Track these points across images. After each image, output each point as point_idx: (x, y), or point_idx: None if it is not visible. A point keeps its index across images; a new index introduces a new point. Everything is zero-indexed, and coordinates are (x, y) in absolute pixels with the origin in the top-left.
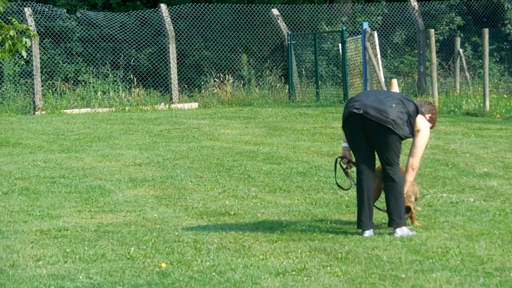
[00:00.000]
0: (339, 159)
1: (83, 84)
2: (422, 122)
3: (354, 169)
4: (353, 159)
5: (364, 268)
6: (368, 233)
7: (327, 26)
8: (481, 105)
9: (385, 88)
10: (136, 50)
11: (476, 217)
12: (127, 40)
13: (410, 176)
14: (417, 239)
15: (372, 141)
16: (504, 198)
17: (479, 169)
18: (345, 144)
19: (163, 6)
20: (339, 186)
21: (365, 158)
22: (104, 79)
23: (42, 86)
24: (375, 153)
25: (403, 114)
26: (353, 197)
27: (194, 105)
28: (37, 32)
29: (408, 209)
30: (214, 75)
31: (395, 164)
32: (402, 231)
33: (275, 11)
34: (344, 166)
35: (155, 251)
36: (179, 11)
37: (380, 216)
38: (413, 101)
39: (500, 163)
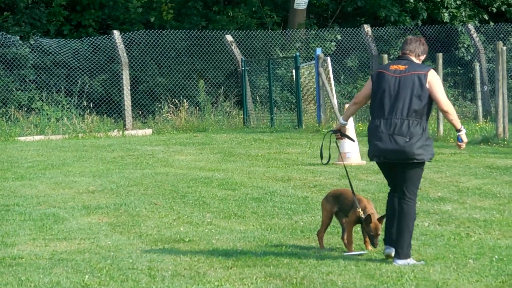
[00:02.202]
0: (331, 133)
1: (36, 111)
2: (434, 81)
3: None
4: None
5: None
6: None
7: (281, 52)
8: (435, 129)
9: (338, 114)
10: (90, 77)
11: (431, 242)
12: (80, 67)
13: (454, 115)
14: (371, 264)
15: (398, 175)
16: (458, 222)
17: (433, 193)
18: (344, 122)
19: (116, 33)
20: (321, 156)
21: (393, 186)
22: (58, 106)
23: None
24: None
25: (419, 128)
26: (308, 223)
27: (148, 131)
28: None
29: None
30: (168, 101)
31: (413, 194)
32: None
33: (229, 37)
34: (335, 139)
35: (109, 278)
36: (132, 37)
37: (334, 241)
38: (417, 76)
39: (454, 188)
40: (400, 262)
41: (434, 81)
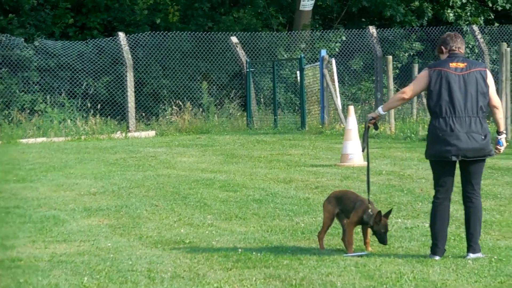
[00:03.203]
0: (368, 119)
1: (39, 113)
2: (490, 77)
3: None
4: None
5: None
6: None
7: (285, 53)
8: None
9: (342, 116)
10: (94, 79)
11: (430, 242)
12: (85, 69)
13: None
14: (371, 265)
15: (465, 172)
16: (459, 223)
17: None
18: (383, 113)
19: (121, 35)
20: (365, 143)
21: (448, 187)
22: (61, 108)
23: None
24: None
25: (486, 124)
26: (309, 224)
27: (151, 133)
28: None
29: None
30: (172, 103)
31: (480, 189)
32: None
33: (234, 39)
34: (372, 126)
35: (108, 280)
36: (137, 39)
37: (335, 242)
38: (482, 76)
39: (455, 189)
40: (475, 255)
41: (490, 77)
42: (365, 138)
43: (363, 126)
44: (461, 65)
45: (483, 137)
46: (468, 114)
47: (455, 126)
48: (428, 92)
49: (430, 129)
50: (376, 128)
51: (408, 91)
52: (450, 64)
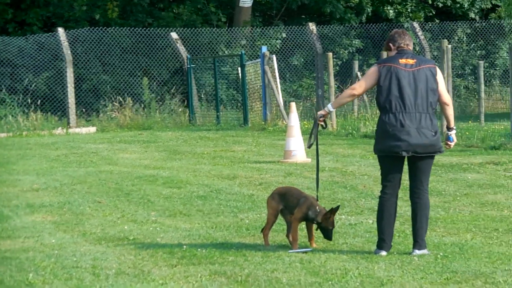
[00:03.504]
0: (318, 116)
1: None
2: (439, 74)
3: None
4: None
5: None
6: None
7: (226, 49)
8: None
9: (284, 112)
10: (34, 75)
11: (375, 239)
12: (25, 64)
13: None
14: (316, 261)
15: (414, 168)
16: (403, 220)
17: (377, 191)
18: (332, 109)
19: (60, 30)
20: (312, 139)
21: (396, 182)
22: (2, 104)
23: None
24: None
25: (436, 120)
26: (253, 221)
27: (92, 129)
28: None
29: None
30: (112, 99)
31: (427, 185)
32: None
33: (174, 35)
34: (322, 124)
35: (53, 277)
36: (77, 35)
37: (279, 239)
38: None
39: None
40: (421, 252)
41: (440, 74)
42: (313, 134)
43: (312, 122)
44: (410, 61)
45: (433, 134)
46: (418, 110)
47: (406, 122)
48: (378, 87)
49: (380, 124)
50: (325, 126)
51: (357, 87)
52: (400, 60)
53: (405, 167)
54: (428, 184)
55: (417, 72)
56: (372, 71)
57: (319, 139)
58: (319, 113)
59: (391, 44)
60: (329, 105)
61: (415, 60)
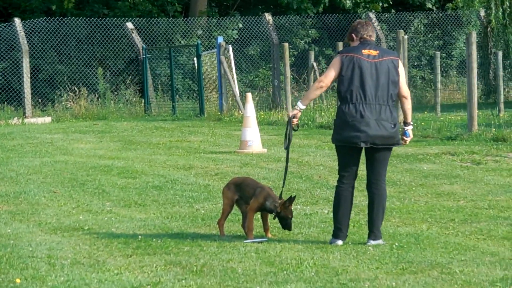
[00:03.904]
0: (291, 118)
1: None
2: (401, 67)
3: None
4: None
5: (219, 280)
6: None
7: (182, 39)
8: (334, 118)
9: (240, 103)
10: None
11: (330, 229)
12: None
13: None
14: (271, 251)
15: (371, 159)
16: (358, 210)
17: (332, 181)
18: (303, 107)
19: (17, 20)
20: (288, 140)
21: (353, 172)
22: None
23: None
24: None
25: (395, 113)
26: (209, 211)
27: (48, 119)
28: None
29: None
30: (67, 89)
31: (385, 174)
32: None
33: (129, 25)
34: (294, 126)
35: (9, 266)
36: (33, 25)
37: (235, 229)
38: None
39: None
40: (376, 242)
41: (402, 67)
42: (288, 136)
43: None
44: (373, 52)
45: (392, 126)
46: (379, 101)
47: (365, 113)
48: (340, 77)
49: (339, 114)
50: (296, 128)
51: (323, 79)
52: (363, 50)
53: (362, 157)
54: (385, 175)
55: (380, 64)
56: (336, 61)
57: (273, 129)
58: (291, 114)
59: (353, 35)
60: (299, 103)
61: (378, 51)
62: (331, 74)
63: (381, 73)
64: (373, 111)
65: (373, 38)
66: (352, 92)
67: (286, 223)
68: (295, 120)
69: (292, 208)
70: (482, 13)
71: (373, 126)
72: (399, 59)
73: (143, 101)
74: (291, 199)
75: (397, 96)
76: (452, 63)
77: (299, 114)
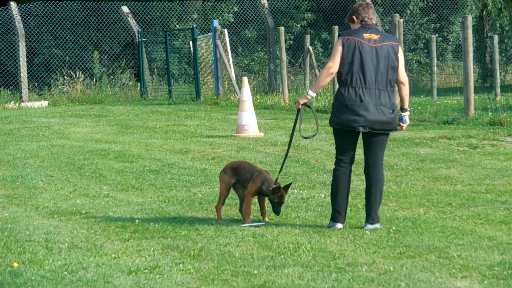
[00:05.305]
0: (304, 106)
1: None
2: (401, 52)
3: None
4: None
5: (217, 264)
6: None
7: (178, 23)
8: (331, 102)
9: (236, 86)
10: None
11: (327, 213)
12: None
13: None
14: (268, 235)
15: (369, 143)
16: (355, 194)
17: (329, 165)
18: (314, 94)
19: (13, 4)
20: (305, 137)
21: (350, 156)
22: None
23: None
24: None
25: (394, 98)
26: (206, 195)
27: (44, 103)
28: None
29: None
30: (64, 73)
31: (383, 158)
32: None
33: (125, 9)
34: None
35: (7, 250)
36: (29, 9)
37: (232, 213)
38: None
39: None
40: (374, 226)
41: (401, 52)
42: (299, 123)
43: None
44: (374, 36)
45: (391, 111)
46: (378, 86)
47: (365, 97)
48: (340, 60)
49: (338, 97)
50: (309, 105)
51: (332, 65)
52: (364, 34)
53: (359, 141)
54: (383, 159)
55: (380, 48)
56: (338, 43)
57: (269, 114)
58: (300, 101)
59: (354, 17)
60: (310, 91)
61: (379, 36)
62: (336, 60)
63: (381, 57)
64: (372, 96)
65: (374, 21)
66: (352, 76)
67: (273, 207)
68: (302, 106)
69: (289, 193)
70: None
71: (372, 111)
72: (399, 45)
73: (139, 85)
74: (286, 187)
75: (396, 81)
76: (448, 47)
77: (308, 101)
